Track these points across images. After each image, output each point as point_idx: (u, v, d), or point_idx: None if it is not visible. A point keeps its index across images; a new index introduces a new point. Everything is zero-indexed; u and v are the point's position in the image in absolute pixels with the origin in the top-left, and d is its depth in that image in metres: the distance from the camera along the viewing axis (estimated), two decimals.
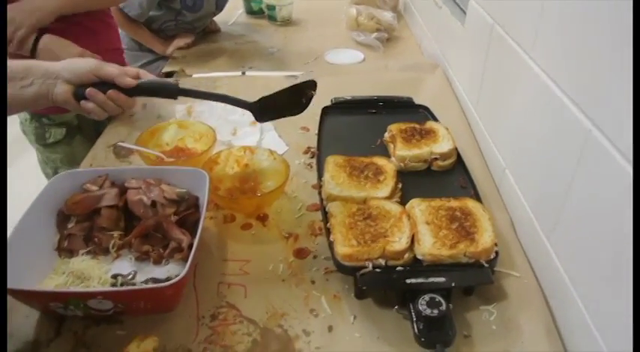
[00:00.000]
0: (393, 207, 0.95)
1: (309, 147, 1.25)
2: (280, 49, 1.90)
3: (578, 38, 0.77)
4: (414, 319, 0.77)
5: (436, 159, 1.11)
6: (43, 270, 0.86)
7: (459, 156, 1.13)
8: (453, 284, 0.81)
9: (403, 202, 0.98)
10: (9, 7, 1.20)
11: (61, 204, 0.94)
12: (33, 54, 1.26)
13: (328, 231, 0.91)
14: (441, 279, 0.81)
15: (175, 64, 1.77)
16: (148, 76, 0.90)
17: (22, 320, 0.82)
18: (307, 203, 1.07)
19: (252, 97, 0.95)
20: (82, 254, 0.90)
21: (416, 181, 1.08)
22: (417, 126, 1.19)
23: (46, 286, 0.83)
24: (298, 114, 0.98)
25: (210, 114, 1.39)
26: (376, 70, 1.68)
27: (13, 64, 0.84)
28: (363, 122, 1.32)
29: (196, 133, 1.22)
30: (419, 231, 0.89)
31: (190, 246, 0.85)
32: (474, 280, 0.84)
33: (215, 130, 1.19)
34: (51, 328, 0.81)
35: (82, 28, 1.39)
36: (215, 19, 2.04)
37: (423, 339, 0.75)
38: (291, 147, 1.27)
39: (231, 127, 1.35)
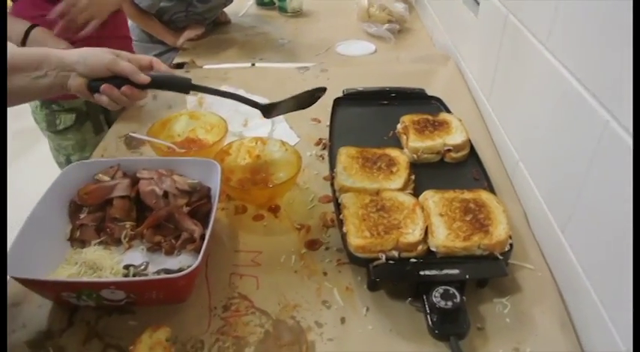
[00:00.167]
0: (407, 199, 0.94)
1: (320, 139, 1.25)
2: (291, 41, 1.89)
3: (596, 28, 0.75)
4: (428, 311, 0.77)
5: (449, 150, 1.10)
6: (56, 260, 0.87)
7: (471, 147, 1.12)
8: (467, 277, 0.80)
9: (416, 194, 0.97)
10: None
11: (73, 195, 0.94)
12: (23, 45, 1.25)
13: (341, 223, 0.90)
14: (455, 271, 0.81)
15: (186, 55, 1.77)
16: (161, 65, 0.90)
17: (35, 310, 0.82)
18: (319, 194, 1.07)
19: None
20: (95, 244, 0.90)
21: (429, 173, 1.07)
22: (429, 117, 1.18)
23: (58, 276, 0.83)
24: (306, 108, 0.98)
25: (221, 105, 1.38)
26: (388, 61, 1.67)
27: (27, 52, 0.83)
28: (375, 113, 1.30)
29: (207, 124, 1.22)
30: (432, 222, 0.88)
31: (202, 237, 0.85)
32: (487, 272, 0.84)
33: (226, 121, 1.19)
34: (64, 318, 0.81)
35: None
36: (225, 10, 2.04)
37: (436, 331, 0.75)
38: (303, 139, 1.26)
39: (242, 118, 1.34)
